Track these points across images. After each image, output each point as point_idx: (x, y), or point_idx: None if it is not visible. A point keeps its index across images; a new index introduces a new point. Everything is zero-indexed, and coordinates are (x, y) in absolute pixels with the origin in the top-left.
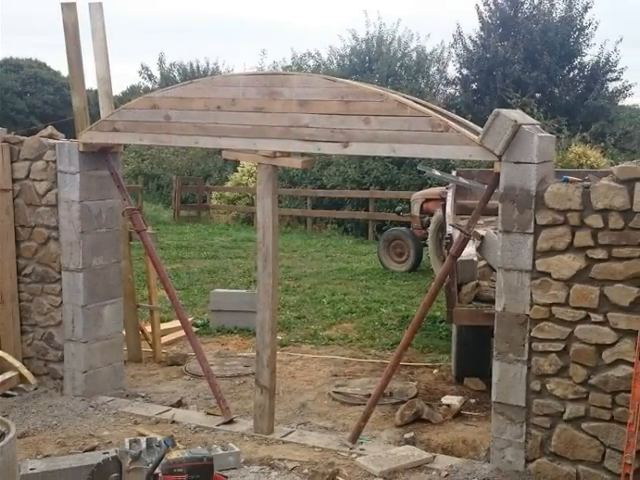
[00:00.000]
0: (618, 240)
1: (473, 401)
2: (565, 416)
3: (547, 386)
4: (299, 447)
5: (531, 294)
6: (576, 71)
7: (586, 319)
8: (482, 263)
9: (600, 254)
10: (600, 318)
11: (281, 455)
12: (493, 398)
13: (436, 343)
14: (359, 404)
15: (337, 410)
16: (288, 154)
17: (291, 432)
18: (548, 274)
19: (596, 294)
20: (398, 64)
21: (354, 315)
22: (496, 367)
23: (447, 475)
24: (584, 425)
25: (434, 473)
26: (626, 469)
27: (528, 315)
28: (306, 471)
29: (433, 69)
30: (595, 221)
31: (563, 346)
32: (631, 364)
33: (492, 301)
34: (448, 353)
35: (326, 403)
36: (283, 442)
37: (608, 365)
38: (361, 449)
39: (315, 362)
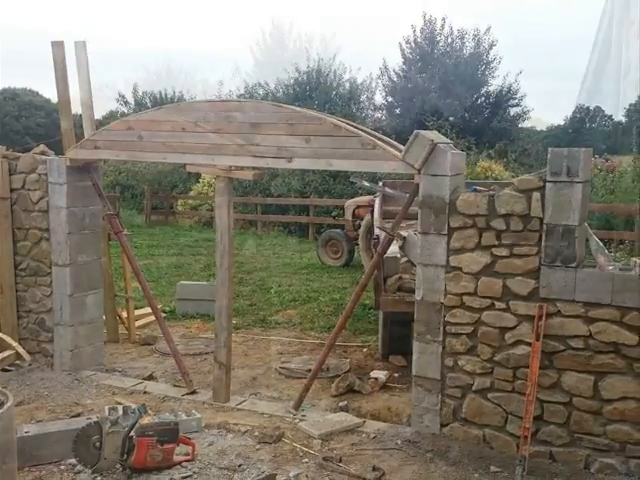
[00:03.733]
0: (518, 240)
1: (397, 375)
2: (474, 387)
3: (459, 362)
4: (251, 413)
5: (445, 285)
6: (483, 98)
7: (491, 306)
8: (404, 259)
9: (503, 252)
10: (503, 305)
11: (236, 420)
12: (413, 372)
13: (366, 326)
14: (301, 377)
15: (283, 382)
16: (241, 168)
17: (244, 401)
18: (459, 268)
19: (500, 285)
20: (334, 93)
21: (297, 303)
22: (416, 346)
23: (375, 437)
24: (490, 395)
25: (364, 435)
26: (525, 432)
27: (443, 303)
28: (257, 434)
29: (363, 97)
30: (499, 224)
31: (472, 329)
32: (529, 344)
33: (412, 291)
34: (376, 335)
35: (273, 377)
36: (237, 409)
37: (510, 345)
38: (303, 415)
39: (264, 342)
